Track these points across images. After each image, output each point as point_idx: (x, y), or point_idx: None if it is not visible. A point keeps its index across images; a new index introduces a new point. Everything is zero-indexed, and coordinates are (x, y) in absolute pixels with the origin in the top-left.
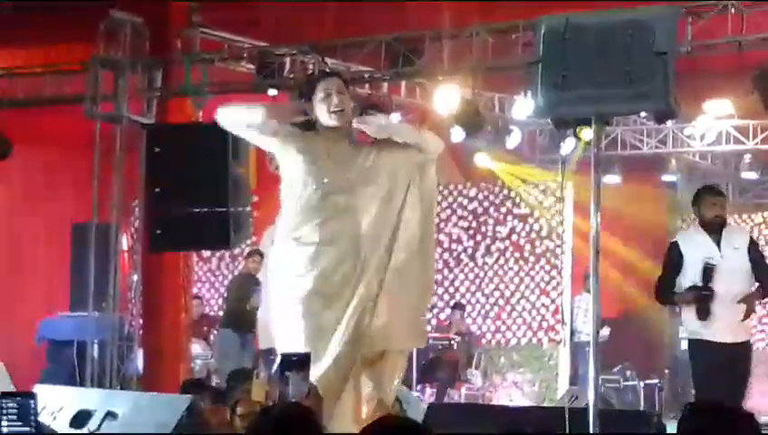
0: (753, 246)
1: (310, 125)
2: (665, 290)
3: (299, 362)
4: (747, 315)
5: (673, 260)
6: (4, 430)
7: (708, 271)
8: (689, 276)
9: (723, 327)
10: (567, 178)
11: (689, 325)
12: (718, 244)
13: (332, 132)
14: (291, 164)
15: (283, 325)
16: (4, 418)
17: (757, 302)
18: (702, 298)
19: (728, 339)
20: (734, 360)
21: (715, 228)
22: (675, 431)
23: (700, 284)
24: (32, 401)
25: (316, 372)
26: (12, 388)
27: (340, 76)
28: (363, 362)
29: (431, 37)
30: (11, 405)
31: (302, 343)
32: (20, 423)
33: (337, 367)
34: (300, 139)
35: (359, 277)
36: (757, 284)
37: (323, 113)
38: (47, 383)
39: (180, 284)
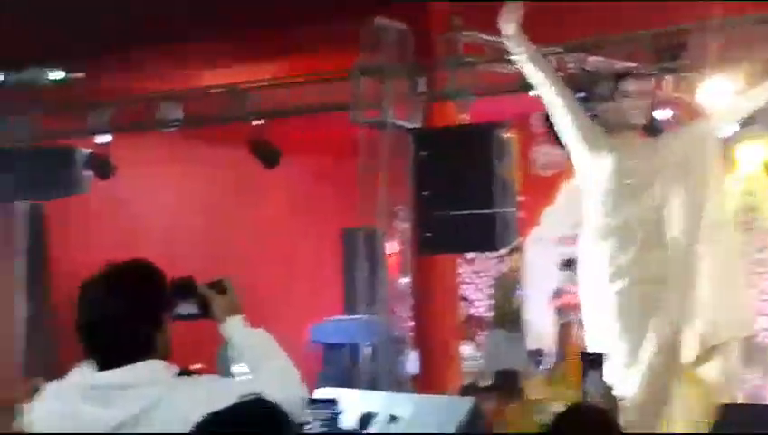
0: None
1: (608, 124)
2: None
3: (596, 361)
4: None
5: None
6: (316, 431)
7: None
8: None
9: None
10: None
11: None
12: None
13: (631, 129)
14: (598, 161)
15: (593, 321)
16: (314, 420)
17: None
18: None
19: None
20: None
21: None
22: None
23: None
24: (334, 405)
25: (632, 380)
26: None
27: (632, 76)
28: (698, 361)
29: (696, 30)
30: (319, 409)
31: (614, 338)
32: (327, 426)
33: (652, 378)
34: (606, 137)
35: (668, 272)
36: None
37: (625, 113)
38: (324, 386)
39: (449, 286)
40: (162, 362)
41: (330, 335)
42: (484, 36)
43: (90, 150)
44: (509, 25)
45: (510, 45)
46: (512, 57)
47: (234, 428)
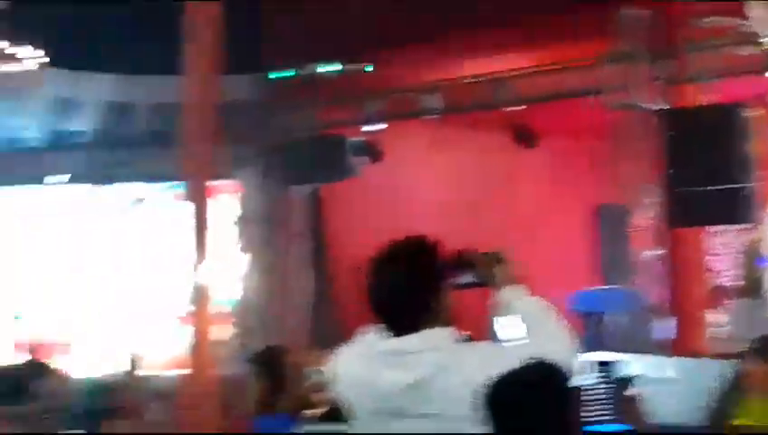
0: None
1: None
2: None
3: None
4: None
5: None
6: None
7: None
8: None
9: None
10: None
11: None
12: None
13: None
14: None
15: None
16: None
17: None
18: None
19: None
20: None
21: None
22: None
23: None
24: (609, 367)
25: None
26: None
27: None
28: None
29: None
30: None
31: None
32: (603, 386)
33: None
34: None
35: None
36: None
37: None
38: (587, 351)
39: (696, 257)
40: (447, 328)
41: (587, 304)
42: (725, 19)
43: (362, 138)
44: (759, 8)
45: (760, 26)
46: (762, 39)
47: (521, 389)
